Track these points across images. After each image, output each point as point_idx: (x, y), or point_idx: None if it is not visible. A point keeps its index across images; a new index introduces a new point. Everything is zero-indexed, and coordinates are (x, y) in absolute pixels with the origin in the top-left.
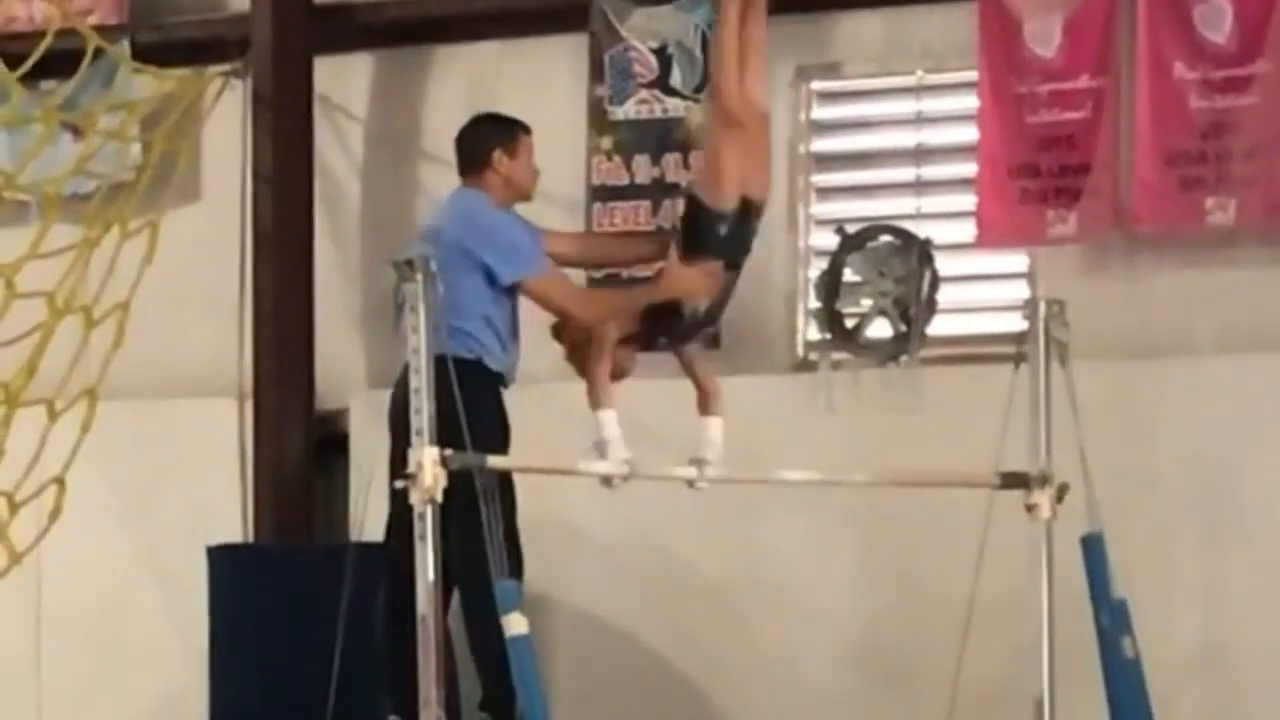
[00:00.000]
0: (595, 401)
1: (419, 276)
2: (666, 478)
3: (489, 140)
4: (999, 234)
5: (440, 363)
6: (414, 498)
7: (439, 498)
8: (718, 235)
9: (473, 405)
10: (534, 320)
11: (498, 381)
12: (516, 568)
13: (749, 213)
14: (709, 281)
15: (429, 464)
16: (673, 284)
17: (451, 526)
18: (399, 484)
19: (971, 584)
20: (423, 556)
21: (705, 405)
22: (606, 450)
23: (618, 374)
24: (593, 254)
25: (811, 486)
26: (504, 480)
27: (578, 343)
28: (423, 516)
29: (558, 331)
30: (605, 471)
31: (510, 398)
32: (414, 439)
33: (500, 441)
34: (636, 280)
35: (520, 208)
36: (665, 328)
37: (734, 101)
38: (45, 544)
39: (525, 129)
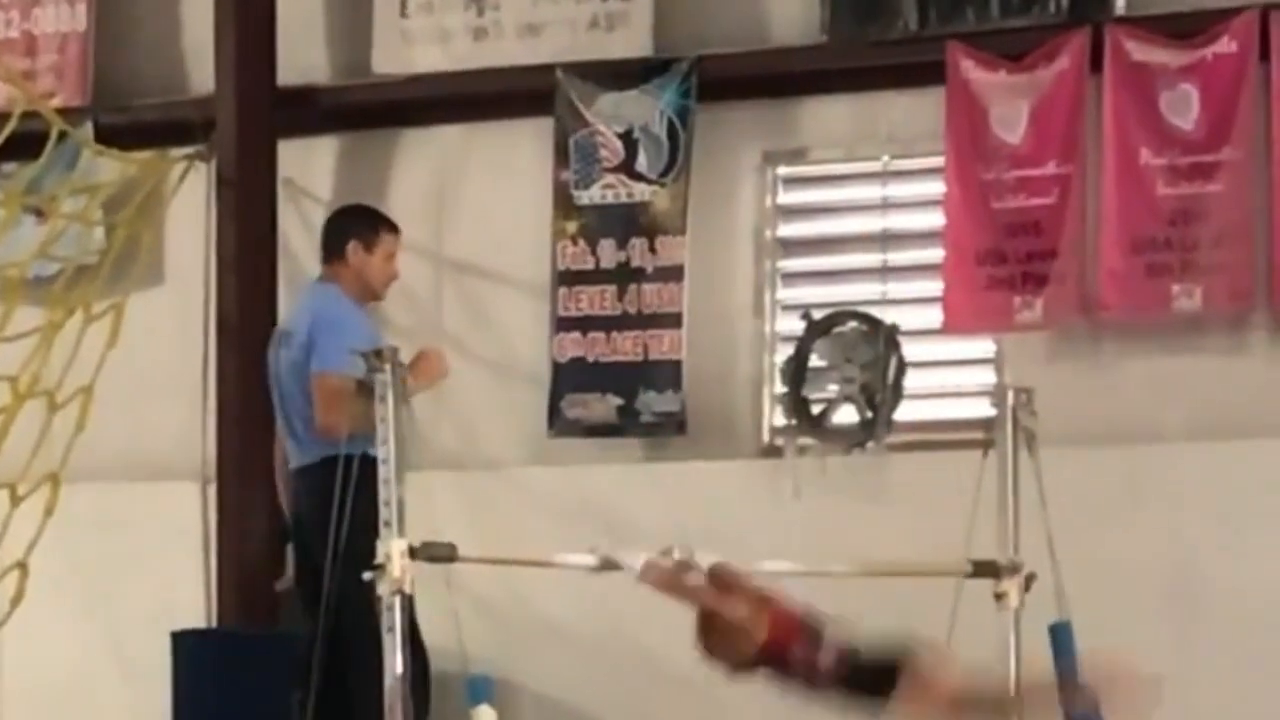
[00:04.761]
0: None
1: (388, 366)
2: (629, 566)
3: (347, 230)
4: (966, 320)
5: (337, 463)
6: (382, 589)
7: (408, 589)
8: None
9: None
10: (504, 405)
11: None
12: (421, 673)
13: None
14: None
15: (397, 555)
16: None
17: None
18: (368, 575)
19: None
20: (391, 648)
21: None
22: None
23: None
24: None
25: (779, 576)
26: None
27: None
28: (390, 608)
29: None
30: (577, 563)
31: (477, 482)
32: (383, 530)
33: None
34: None
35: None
36: None
37: None
38: (7, 629)
39: (391, 227)
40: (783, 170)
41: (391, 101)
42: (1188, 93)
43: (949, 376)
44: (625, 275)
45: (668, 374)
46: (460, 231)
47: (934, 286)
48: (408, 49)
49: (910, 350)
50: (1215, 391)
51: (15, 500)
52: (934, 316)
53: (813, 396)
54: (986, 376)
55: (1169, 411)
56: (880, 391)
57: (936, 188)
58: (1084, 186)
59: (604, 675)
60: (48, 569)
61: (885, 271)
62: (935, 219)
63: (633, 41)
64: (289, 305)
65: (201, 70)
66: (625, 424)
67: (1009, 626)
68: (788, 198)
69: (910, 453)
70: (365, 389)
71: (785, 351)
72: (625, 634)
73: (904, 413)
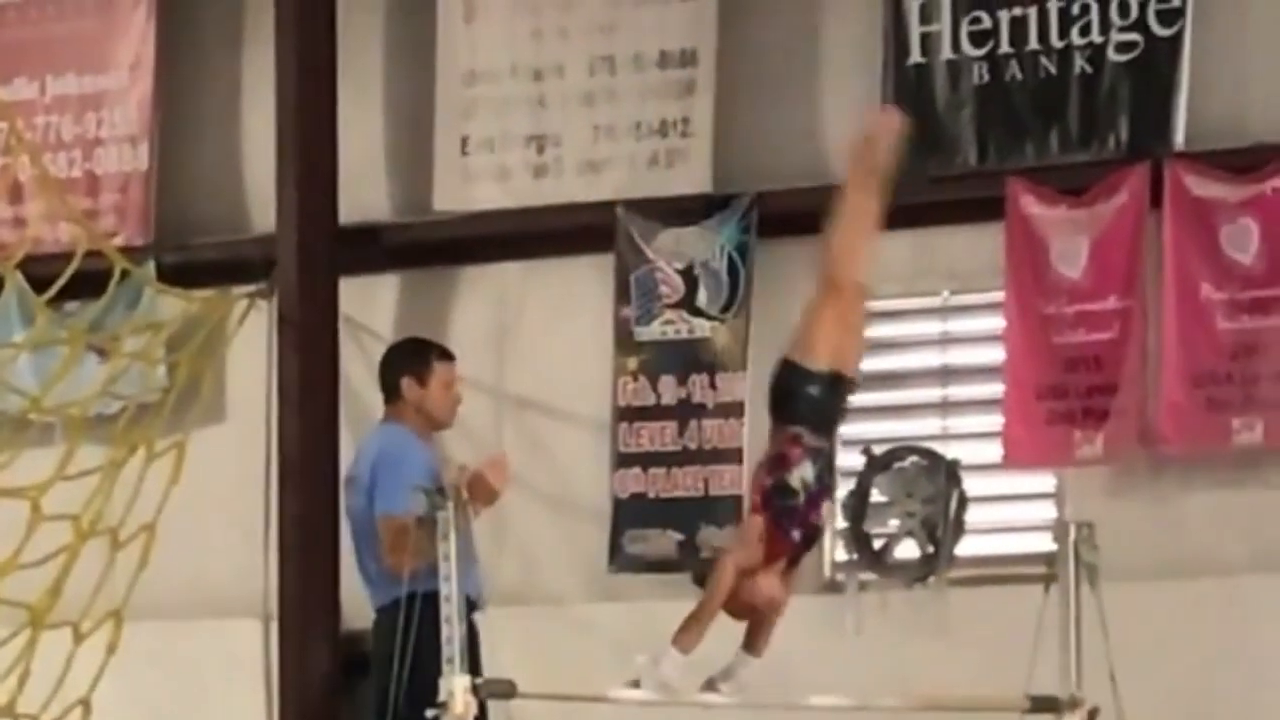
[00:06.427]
0: (676, 636)
1: (450, 504)
2: (697, 704)
3: (399, 368)
4: (1026, 455)
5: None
6: None
7: None
8: (809, 396)
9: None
10: (565, 541)
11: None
12: None
13: (841, 384)
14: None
15: (460, 692)
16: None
17: None
18: (430, 713)
19: None
20: None
21: (753, 642)
22: (652, 684)
23: (763, 605)
24: None
25: (840, 710)
26: None
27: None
28: None
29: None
30: (636, 698)
31: (538, 618)
32: (445, 666)
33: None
34: None
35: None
36: (784, 520)
37: (839, 267)
38: None
39: (442, 354)
40: None
41: (452, 239)
42: (1248, 227)
43: (1010, 511)
44: (686, 411)
45: (728, 509)
46: (521, 368)
47: (994, 421)
48: (468, 187)
49: (971, 485)
50: (1277, 524)
51: (78, 638)
52: (995, 451)
53: (874, 531)
54: (1047, 511)
55: (1231, 545)
56: (941, 526)
57: (996, 323)
58: (1144, 321)
59: None
60: (110, 706)
61: (946, 406)
62: (995, 354)
63: (692, 178)
64: (351, 443)
65: (262, 209)
66: (686, 559)
67: None
68: None
69: (972, 587)
70: (426, 525)
71: (846, 487)
72: None
73: (965, 548)
